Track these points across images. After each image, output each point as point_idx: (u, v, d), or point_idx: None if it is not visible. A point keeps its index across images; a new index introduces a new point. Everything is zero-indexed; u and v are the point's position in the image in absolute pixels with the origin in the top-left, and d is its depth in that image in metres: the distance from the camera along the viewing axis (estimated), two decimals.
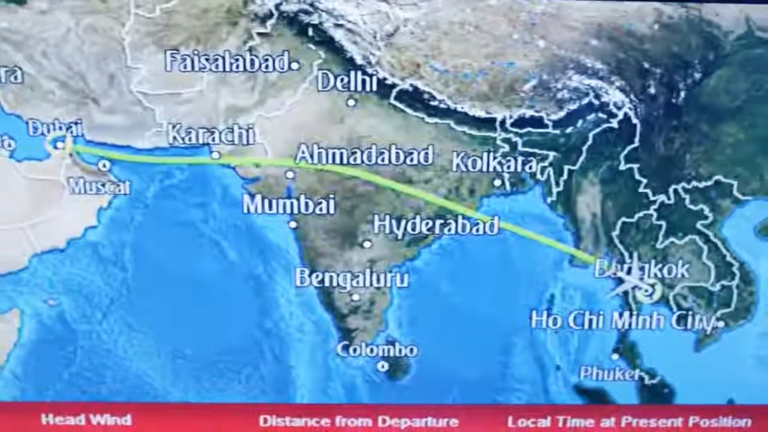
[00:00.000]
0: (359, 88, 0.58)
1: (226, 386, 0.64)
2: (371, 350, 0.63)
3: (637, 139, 0.59)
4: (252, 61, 0.57)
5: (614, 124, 0.59)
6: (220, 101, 0.58)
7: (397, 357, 0.64)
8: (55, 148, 0.59)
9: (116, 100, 0.58)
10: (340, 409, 0.65)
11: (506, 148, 0.59)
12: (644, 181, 0.60)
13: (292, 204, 0.60)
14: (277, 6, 0.56)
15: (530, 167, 0.59)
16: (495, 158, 0.59)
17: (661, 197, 0.60)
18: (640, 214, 0.60)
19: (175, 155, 0.59)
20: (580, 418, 0.65)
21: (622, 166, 0.59)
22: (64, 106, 0.58)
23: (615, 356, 0.64)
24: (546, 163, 0.59)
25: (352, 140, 0.59)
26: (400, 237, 0.61)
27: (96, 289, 0.61)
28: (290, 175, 0.59)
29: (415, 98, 0.58)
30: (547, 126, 0.59)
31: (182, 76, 0.57)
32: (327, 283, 0.62)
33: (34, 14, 0.56)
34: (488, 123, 0.58)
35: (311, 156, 0.59)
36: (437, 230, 0.61)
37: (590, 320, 0.63)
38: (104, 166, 0.59)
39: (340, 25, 0.57)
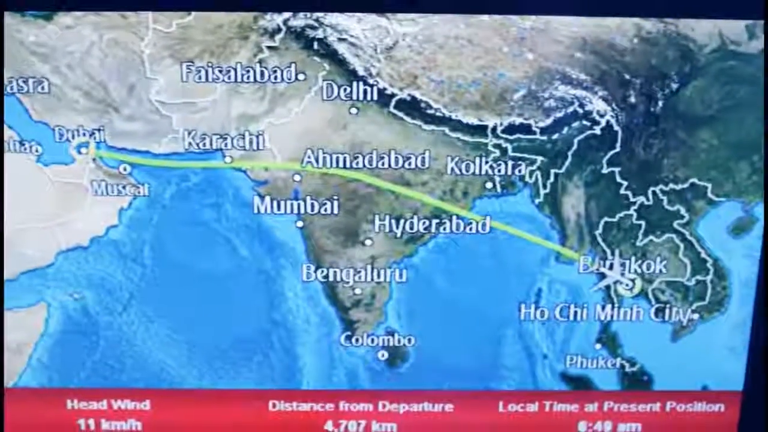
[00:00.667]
0: (361, 97, 0.58)
1: (237, 374, 0.64)
2: (372, 340, 0.64)
3: (618, 145, 0.59)
4: (262, 73, 0.57)
5: (597, 130, 0.59)
6: (232, 110, 0.58)
7: (396, 346, 0.64)
8: (80, 153, 0.59)
9: (136, 109, 0.58)
10: (343, 395, 0.65)
11: (497, 153, 0.59)
12: (625, 183, 0.60)
13: (299, 205, 0.60)
14: (285, 21, 0.56)
15: (519, 171, 0.60)
16: (487, 162, 0.59)
17: (641, 198, 0.60)
18: (621, 214, 0.61)
19: (191, 160, 0.59)
20: (566, 404, 0.65)
21: (605, 170, 0.60)
22: (87, 114, 0.58)
23: (598, 346, 0.64)
24: (534, 167, 0.60)
25: (354, 146, 0.59)
26: (398, 235, 0.61)
27: (117, 284, 0.62)
28: (297, 178, 0.60)
29: (412, 107, 0.58)
30: (535, 132, 0.59)
31: (197, 87, 0.57)
32: (331, 278, 0.62)
33: (60, 29, 0.56)
34: (480, 130, 0.59)
35: (316, 160, 0.59)
36: (433, 229, 0.61)
37: (575, 312, 0.63)
38: (125, 169, 0.59)
39: (344, 39, 0.57)
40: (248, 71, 0.57)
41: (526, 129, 0.59)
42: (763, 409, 0.47)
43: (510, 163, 0.59)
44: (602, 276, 0.62)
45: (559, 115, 0.58)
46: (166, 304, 0.62)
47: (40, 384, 0.64)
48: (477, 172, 0.60)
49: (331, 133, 0.59)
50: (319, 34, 0.57)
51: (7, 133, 0.58)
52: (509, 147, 0.59)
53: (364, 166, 0.59)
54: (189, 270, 0.61)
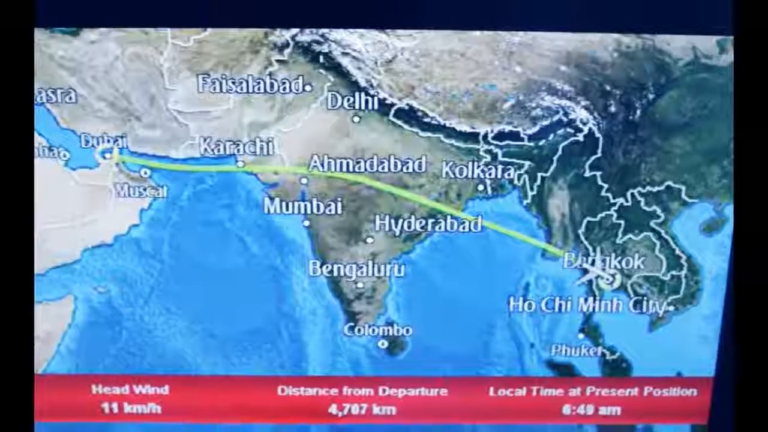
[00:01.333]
0: (363, 107, 0.58)
1: (249, 361, 0.64)
2: (373, 330, 0.64)
3: (599, 151, 0.59)
4: (271, 84, 0.58)
5: (580, 137, 0.59)
6: (244, 118, 0.58)
7: (395, 336, 0.64)
8: (104, 158, 0.59)
9: (156, 117, 0.58)
10: (347, 380, 0.65)
11: (488, 158, 0.59)
12: (606, 186, 0.60)
13: (305, 206, 0.60)
14: (293, 37, 0.57)
15: (509, 174, 0.60)
16: (479, 167, 0.60)
17: (620, 200, 0.60)
18: (602, 214, 0.61)
19: (206, 164, 0.59)
20: (551, 389, 0.65)
21: (587, 174, 0.60)
22: (111, 122, 0.58)
23: (581, 335, 0.64)
24: (522, 171, 0.60)
25: (356, 151, 0.59)
26: (397, 234, 0.61)
27: (138, 278, 0.62)
28: (304, 181, 0.60)
29: (410, 116, 0.58)
30: (523, 139, 0.59)
31: (212, 97, 0.58)
32: (335, 273, 0.62)
33: (85, 44, 0.56)
34: (473, 137, 0.59)
35: (322, 165, 0.59)
36: (429, 228, 0.61)
37: (560, 305, 0.63)
38: (145, 173, 0.59)
39: (347, 54, 0.57)
40: (259, 83, 0.57)
41: (514, 136, 0.59)
42: (733, 394, 0.47)
43: (500, 167, 0.60)
44: (585, 271, 0.62)
45: (545, 123, 0.59)
46: (184, 297, 0.63)
47: (67, 371, 0.64)
48: (470, 175, 0.60)
49: (336, 139, 0.59)
50: (325, 48, 0.57)
51: (37, 139, 0.58)
52: (499, 152, 0.59)
53: (366, 170, 0.60)
54: (204, 266, 0.62)
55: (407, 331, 0.64)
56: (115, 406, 0.65)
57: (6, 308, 0.45)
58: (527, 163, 0.60)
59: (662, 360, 0.65)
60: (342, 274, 0.62)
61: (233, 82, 0.57)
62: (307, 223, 0.61)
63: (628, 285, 0.63)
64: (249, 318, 0.63)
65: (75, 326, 0.63)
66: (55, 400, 0.64)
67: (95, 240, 0.61)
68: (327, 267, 0.62)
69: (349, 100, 0.58)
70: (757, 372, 0.46)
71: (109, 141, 0.59)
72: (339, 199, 0.60)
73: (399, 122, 0.59)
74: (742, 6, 0.47)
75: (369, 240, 0.61)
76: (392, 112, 0.58)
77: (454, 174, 0.60)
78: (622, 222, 0.61)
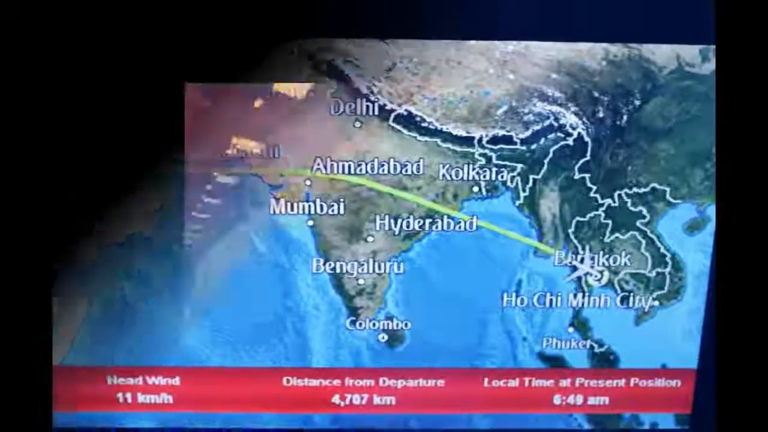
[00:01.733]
0: (364, 112, 0.58)
1: (255, 353, 0.64)
2: (373, 324, 0.64)
3: (588, 154, 0.59)
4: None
5: (570, 141, 0.59)
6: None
7: (395, 330, 0.64)
8: None
9: None
10: (348, 372, 0.65)
11: (483, 161, 0.60)
12: (594, 187, 0.60)
13: (309, 206, 0.61)
14: (298, 46, 0.57)
15: (502, 176, 0.60)
16: (474, 169, 0.60)
17: (608, 201, 0.61)
18: (591, 214, 0.61)
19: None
20: (543, 380, 0.66)
21: (576, 176, 0.60)
22: None
23: (570, 329, 0.64)
24: (515, 173, 0.60)
25: (358, 154, 0.59)
26: (397, 233, 0.61)
27: (151, 275, 0.62)
28: (308, 183, 0.60)
29: (409, 121, 0.59)
30: (516, 143, 0.59)
31: None
32: (338, 271, 0.62)
33: None
34: (468, 141, 0.59)
35: (325, 167, 0.60)
36: (427, 227, 0.61)
37: (551, 300, 0.63)
38: None
39: (349, 62, 0.57)
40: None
41: (508, 140, 0.59)
42: (714, 384, 0.47)
43: (494, 169, 0.60)
44: (574, 268, 0.62)
45: (537, 128, 0.59)
46: (194, 294, 0.62)
47: (84, 363, 0.64)
48: (465, 177, 0.60)
49: (338, 143, 0.59)
50: (328, 57, 0.57)
51: None
52: (493, 156, 0.60)
53: (367, 172, 0.60)
54: (214, 263, 0.62)
55: (406, 325, 0.64)
56: (129, 396, 0.65)
57: (26, 303, 0.45)
58: (520, 166, 0.60)
59: (648, 352, 0.65)
60: (344, 271, 0.62)
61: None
62: (311, 222, 0.61)
63: (615, 281, 0.63)
64: (256, 313, 0.63)
65: (91, 321, 0.63)
66: (72, 391, 0.64)
67: (110, 239, 0.61)
68: (330, 264, 0.62)
69: (350, 106, 0.58)
70: (737, 364, 0.46)
71: None
72: (341, 199, 0.60)
73: (398, 127, 0.59)
74: (724, 17, 0.47)
75: (370, 239, 0.62)
76: (392, 117, 0.59)
77: (450, 176, 0.60)
78: (610, 222, 0.61)
